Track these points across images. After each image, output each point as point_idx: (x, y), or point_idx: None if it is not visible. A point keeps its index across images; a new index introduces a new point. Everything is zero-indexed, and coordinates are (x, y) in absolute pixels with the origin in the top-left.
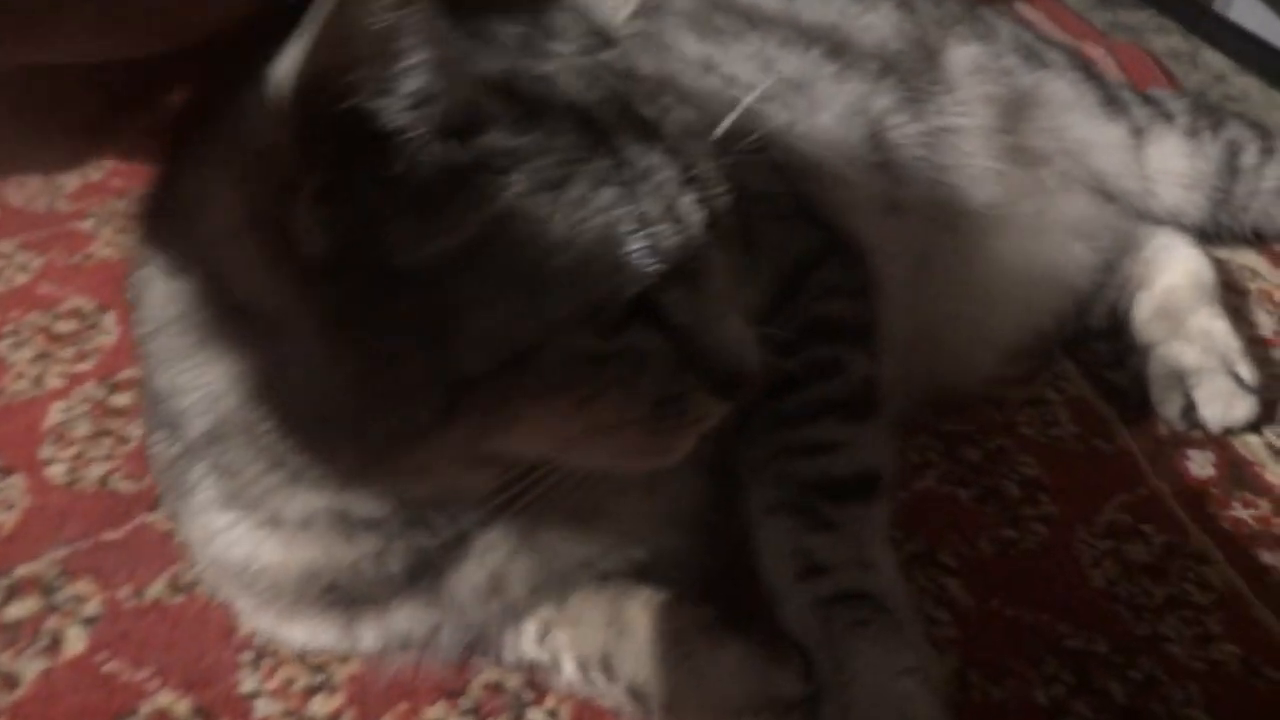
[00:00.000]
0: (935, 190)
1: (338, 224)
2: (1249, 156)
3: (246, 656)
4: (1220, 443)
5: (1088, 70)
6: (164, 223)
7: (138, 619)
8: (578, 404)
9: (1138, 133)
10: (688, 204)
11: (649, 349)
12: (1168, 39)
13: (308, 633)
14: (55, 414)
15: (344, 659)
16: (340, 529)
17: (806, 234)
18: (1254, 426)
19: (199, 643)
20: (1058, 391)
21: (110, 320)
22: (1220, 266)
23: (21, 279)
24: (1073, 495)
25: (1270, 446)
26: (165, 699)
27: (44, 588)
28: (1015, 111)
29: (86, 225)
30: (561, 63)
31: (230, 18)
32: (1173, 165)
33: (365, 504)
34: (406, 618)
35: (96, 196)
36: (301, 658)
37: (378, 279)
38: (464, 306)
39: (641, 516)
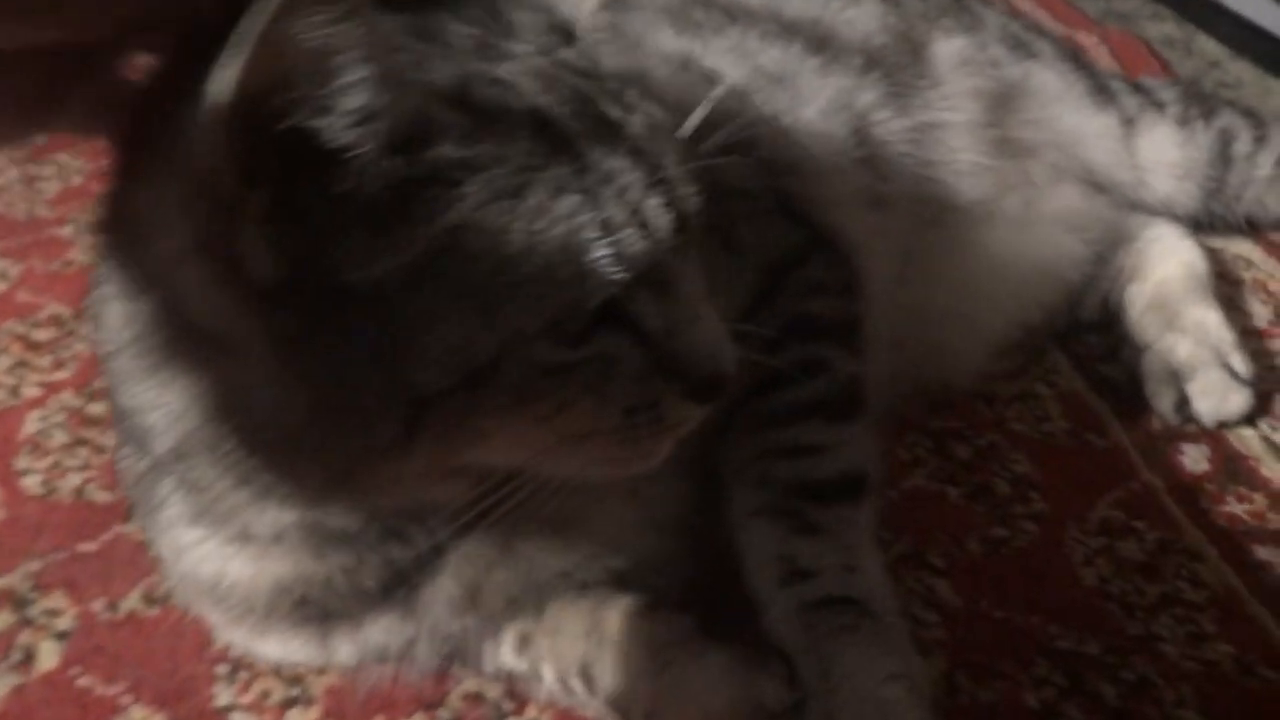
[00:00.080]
0: (921, 186)
1: (284, 245)
2: (1242, 145)
3: (222, 670)
4: (1214, 437)
5: (1077, 60)
6: (118, 241)
7: (112, 632)
8: (545, 416)
9: (1128, 122)
10: (653, 207)
11: (618, 356)
12: (1161, 26)
13: (281, 648)
14: (32, 423)
15: (321, 671)
16: (311, 543)
17: (788, 231)
18: (1249, 420)
19: (174, 656)
20: (1049, 386)
21: (89, 328)
22: (1214, 256)
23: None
24: (1064, 492)
25: (1266, 440)
26: (139, 714)
27: (17, 601)
28: (1003, 104)
29: (66, 231)
30: (519, 65)
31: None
32: (1164, 155)
33: (337, 517)
34: (382, 631)
35: (77, 202)
36: (277, 671)
37: (329, 299)
38: (419, 323)
39: (621, 523)
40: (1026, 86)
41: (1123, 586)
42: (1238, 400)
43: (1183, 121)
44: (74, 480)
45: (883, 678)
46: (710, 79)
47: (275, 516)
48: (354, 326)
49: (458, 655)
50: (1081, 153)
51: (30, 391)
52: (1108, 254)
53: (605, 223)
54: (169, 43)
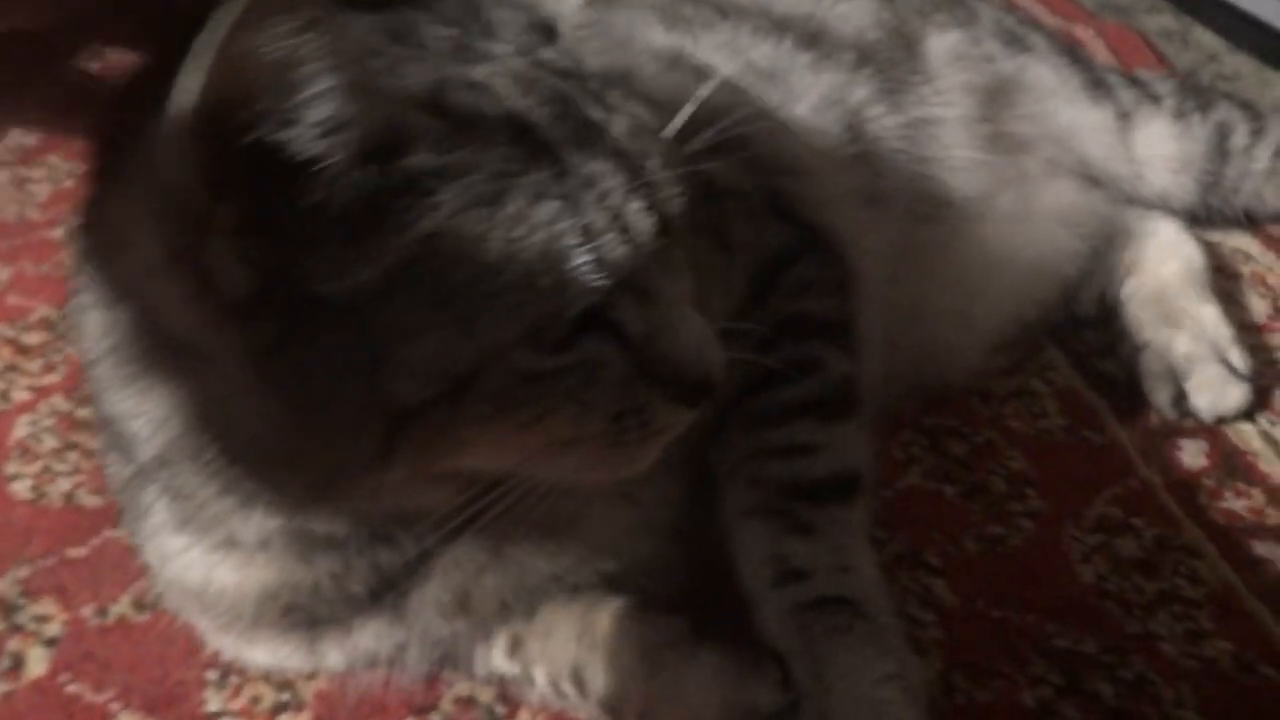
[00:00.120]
0: (915, 182)
1: (255, 259)
2: (1239, 138)
3: (212, 675)
4: (1213, 432)
5: (1072, 53)
6: (93, 250)
7: (101, 638)
8: (529, 423)
9: (1124, 116)
10: (635, 212)
11: (602, 361)
12: (1159, 18)
13: (269, 654)
14: (21, 428)
15: (311, 676)
16: (297, 549)
17: (780, 230)
18: (1247, 415)
19: (163, 662)
20: (1046, 383)
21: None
22: (1212, 250)
23: None
24: (1061, 489)
25: (1265, 435)
26: None
27: (6, 608)
28: (997, 98)
29: (57, 234)
30: (496, 66)
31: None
32: (1161, 148)
33: (323, 523)
34: (371, 637)
35: (68, 204)
36: (267, 676)
37: (302, 311)
38: (395, 334)
39: (613, 525)
40: (1021, 81)
41: (1120, 584)
42: (1236, 395)
43: (1179, 115)
44: (64, 485)
45: (877, 679)
46: (702, 75)
47: (260, 523)
48: (329, 338)
49: (449, 659)
50: (1077, 147)
51: (20, 395)
52: (1104, 249)
53: (585, 229)
54: (148, 37)
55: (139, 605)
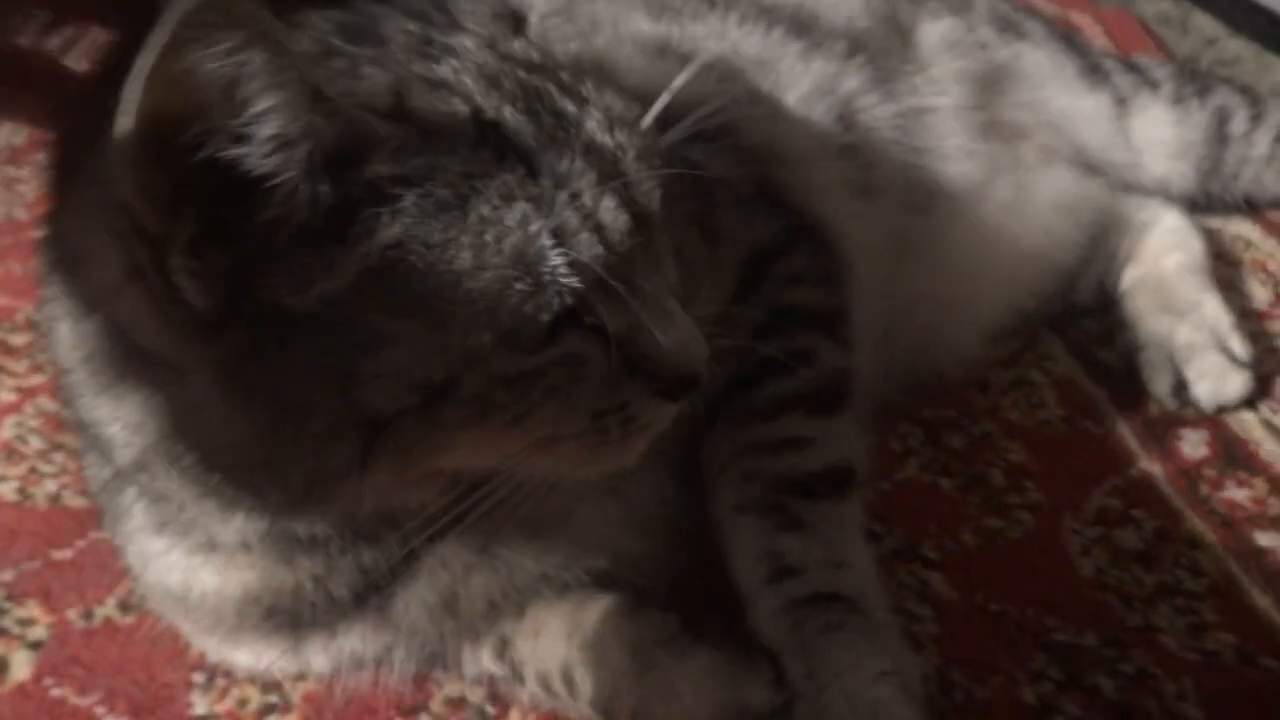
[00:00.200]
0: (909, 172)
1: (216, 274)
2: (1238, 123)
3: (198, 677)
4: (1213, 421)
5: (1068, 39)
6: (58, 263)
7: (87, 641)
8: (511, 424)
9: (1121, 102)
10: (609, 209)
11: (583, 359)
12: (1157, 3)
13: (254, 657)
14: (7, 429)
15: (299, 677)
16: (279, 550)
17: (770, 219)
18: (1248, 403)
19: (149, 665)
20: (1044, 373)
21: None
22: (1211, 237)
23: None
24: (1060, 481)
25: (1266, 423)
26: None
27: None
28: (992, 86)
29: None
30: (461, 62)
31: None
32: (1159, 134)
33: (306, 526)
34: (357, 640)
35: None
36: (254, 678)
37: (269, 323)
38: (365, 346)
39: (602, 522)
40: (1016, 68)
41: (1121, 577)
42: (1236, 383)
43: (1177, 100)
44: (49, 486)
45: (872, 676)
46: (689, 65)
47: (240, 526)
48: (298, 351)
49: (437, 660)
50: (1074, 134)
51: (6, 396)
52: (1102, 237)
53: (558, 229)
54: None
55: (124, 607)
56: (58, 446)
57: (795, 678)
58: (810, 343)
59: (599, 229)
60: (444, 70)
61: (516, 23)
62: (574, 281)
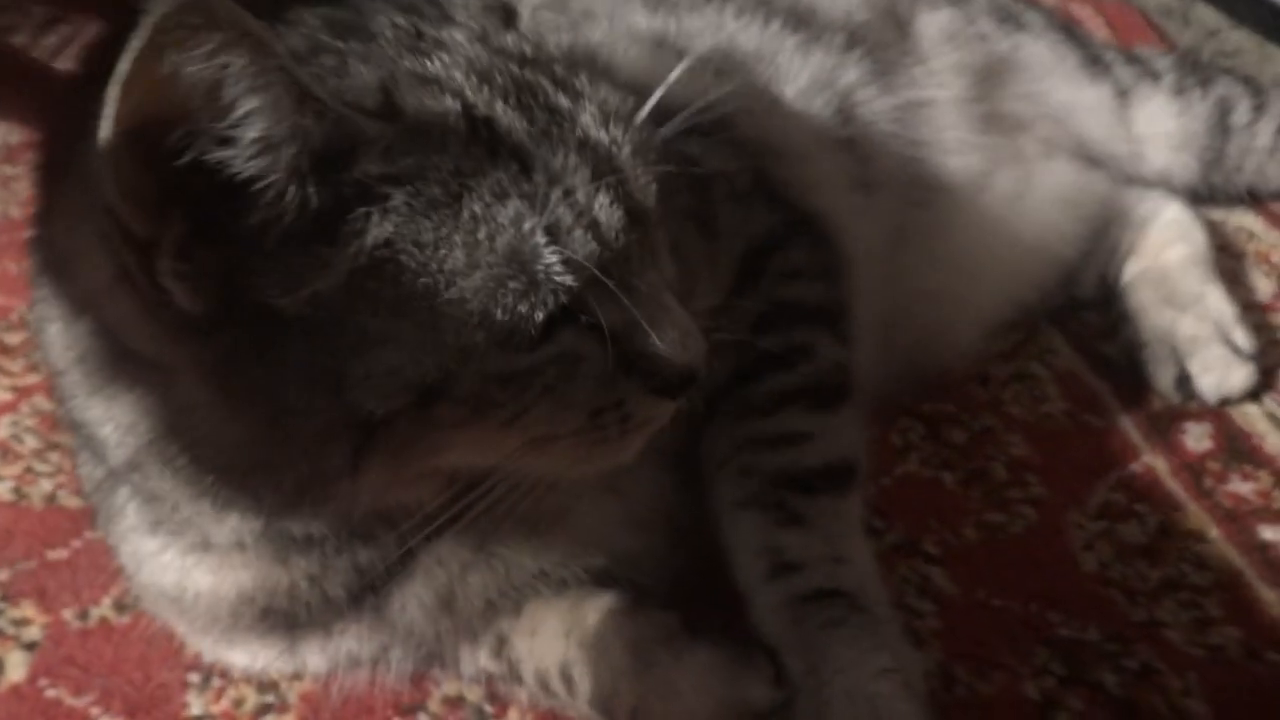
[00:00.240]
0: (908, 166)
1: (204, 276)
2: (1240, 114)
3: (194, 678)
4: (1217, 414)
5: (1068, 31)
6: (48, 265)
7: (82, 642)
8: (506, 423)
9: (1122, 94)
10: (603, 205)
11: (580, 356)
12: None
13: (249, 657)
14: (2, 428)
15: (296, 677)
16: (274, 550)
17: (768, 213)
18: (1252, 396)
19: (145, 665)
20: (1046, 366)
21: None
22: (1214, 229)
23: None
24: (1063, 475)
25: (1270, 416)
26: None
27: None
28: (992, 78)
29: None
30: (451, 57)
31: None
32: (1160, 126)
33: (301, 525)
34: (353, 640)
35: None
36: (250, 677)
37: (259, 326)
38: (357, 347)
39: (601, 519)
40: (1016, 60)
41: (1124, 571)
42: (1240, 376)
43: (1179, 91)
44: (45, 486)
45: (874, 673)
46: (685, 58)
47: (235, 525)
48: (288, 352)
49: (435, 659)
50: (1075, 126)
51: (1, 395)
52: (1104, 229)
53: (552, 227)
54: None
55: (120, 607)
56: (53, 446)
57: (796, 675)
58: (809, 337)
59: (593, 226)
60: (434, 66)
61: (508, 15)
62: (568, 280)
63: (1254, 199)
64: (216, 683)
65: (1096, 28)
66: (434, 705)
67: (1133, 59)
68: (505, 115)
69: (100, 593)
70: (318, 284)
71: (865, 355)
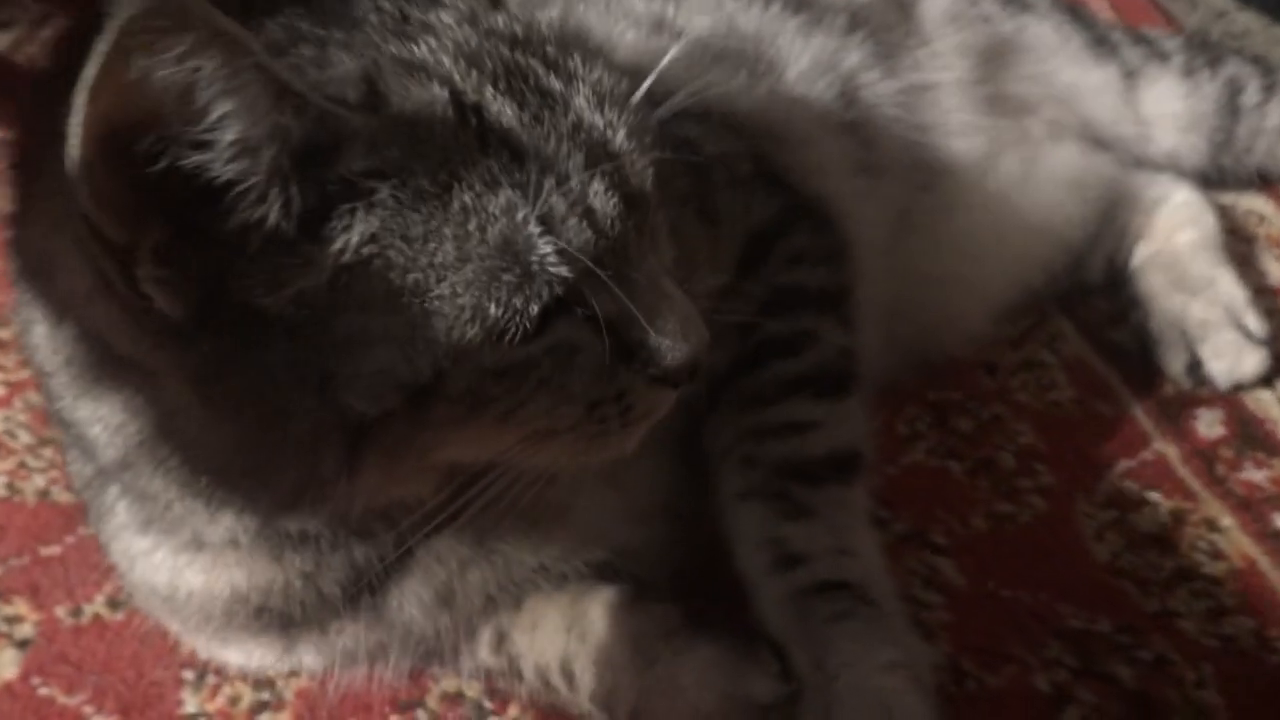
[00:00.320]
0: (913, 150)
1: (186, 281)
2: (1250, 95)
3: (189, 675)
4: (1229, 400)
5: (1074, 11)
6: (25, 271)
7: (75, 639)
8: (503, 418)
9: (1130, 75)
10: (598, 192)
11: (577, 346)
12: None
13: (244, 656)
14: None
15: (292, 673)
16: (269, 548)
17: (769, 198)
18: (1265, 381)
19: (139, 662)
20: (1054, 353)
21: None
22: (1224, 213)
23: None
24: (1072, 464)
25: None
26: None
27: None
28: (996, 59)
29: None
30: (439, 41)
31: None
32: (1169, 107)
33: (297, 523)
34: (349, 638)
35: None
36: (246, 674)
37: (245, 329)
38: (345, 347)
39: (602, 512)
40: (1021, 41)
41: (1136, 561)
42: (1253, 361)
43: (1187, 72)
44: (38, 481)
45: (882, 667)
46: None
47: (230, 523)
48: (275, 355)
49: (434, 656)
50: (1081, 108)
51: None
52: (1112, 213)
53: (545, 216)
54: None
55: (113, 604)
56: (46, 441)
57: (801, 669)
58: (813, 324)
59: (589, 214)
60: (421, 51)
61: None
62: (563, 270)
63: (1264, 181)
64: (211, 680)
65: (1102, 10)
66: (432, 702)
67: (1140, 39)
68: (495, 101)
69: (93, 589)
70: (302, 283)
71: (870, 342)
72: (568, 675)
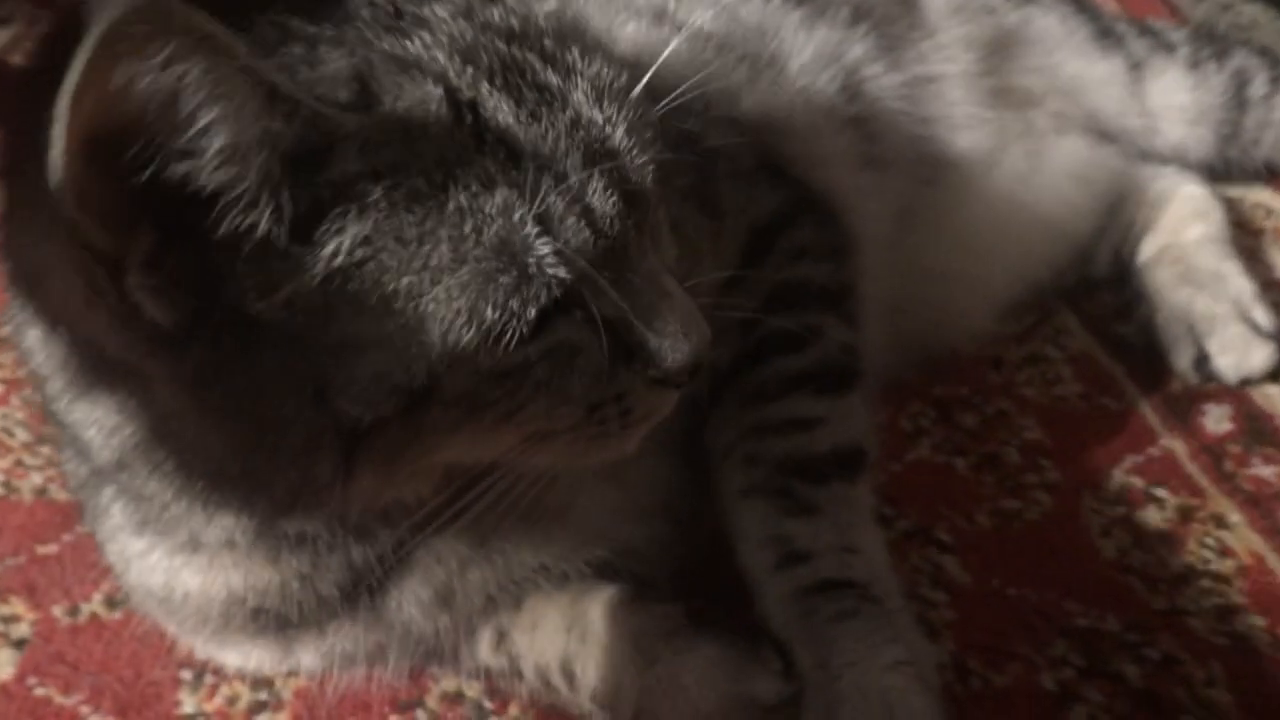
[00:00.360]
0: (917, 143)
1: (176, 288)
2: (1258, 86)
3: (186, 675)
4: (1237, 395)
5: (1079, 3)
6: (16, 277)
7: (72, 638)
8: (501, 421)
9: (1136, 66)
10: (597, 190)
11: (576, 347)
12: None
13: (241, 657)
14: None
15: (291, 673)
16: (266, 549)
17: (772, 192)
18: (1273, 375)
19: (136, 662)
20: (1059, 348)
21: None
22: (1232, 206)
23: None
24: (1079, 459)
25: None
26: None
27: None
28: (1001, 51)
29: None
30: (433, 36)
31: None
32: (1175, 99)
33: (295, 525)
34: (348, 639)
35: None
36: (244, 675)
37: (237, 337)
38: (339, 352)
39: (603, 510)
40: (1025, 33)
41: (1144, 558)
42: (1261, 355)
43: (1194, 64)
44: (35, 480)
45: (886, 666)
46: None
47: (227, 524)
48: (267, 361)
49: (434, 656)
50: (1087, 100)
51: None
52: (1118, 206)
53: (543, 216)
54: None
55: (111, 603)
56: (43, 439)
57: (805, 668)
58: (816, 319)
59: (587, 213)
60: (415, 46)
61: None
62: (562, 271)
63: (1272, 174)
64: (209, 680)
65: (1105, 1)
66: (432, 701)
67: (1146, 31)
68: (491, 98)
69: (91, 588)
70: (293, 286)
71: (873, 337)
72: (568, 675)
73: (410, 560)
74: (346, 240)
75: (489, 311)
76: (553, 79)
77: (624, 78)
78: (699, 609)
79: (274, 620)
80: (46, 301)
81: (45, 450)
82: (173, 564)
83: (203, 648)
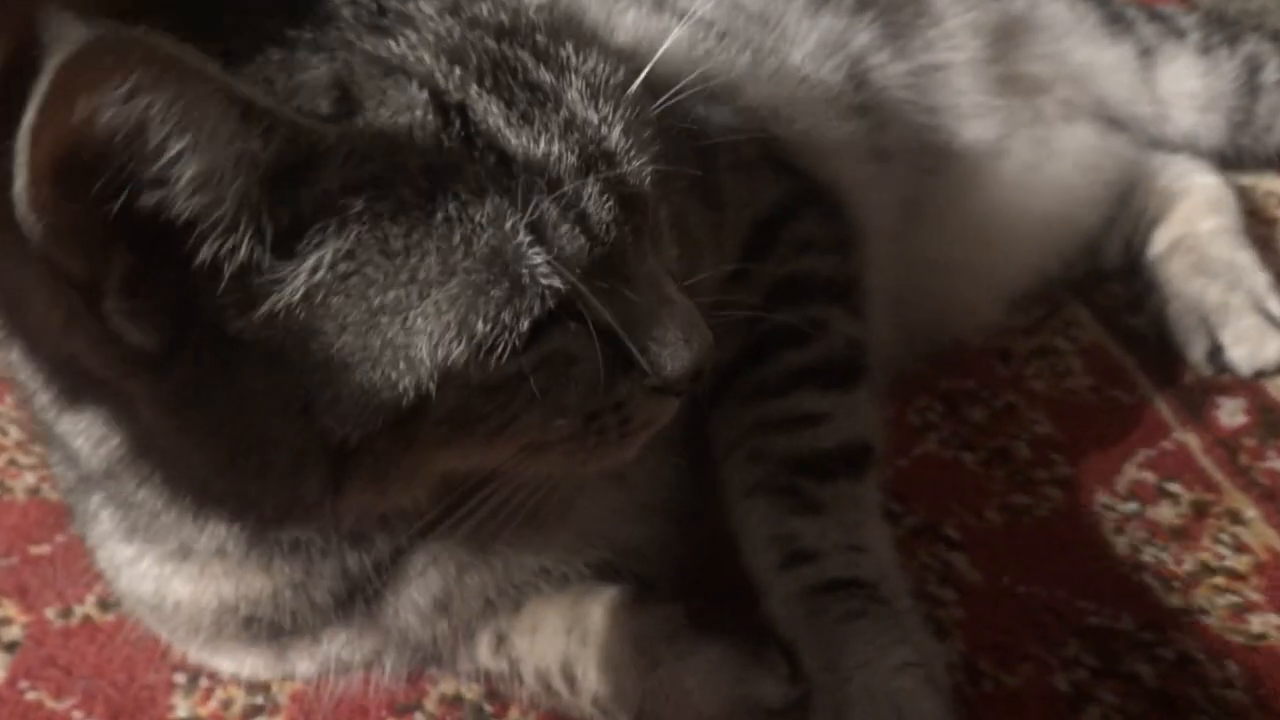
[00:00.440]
0: (923, 132)
1: (155, 311)
2: (1270, 72)
3: (180, 679)
4: (1251, 387)
5: None
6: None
7: (65, 641)
8: (492, 435)
9: (1146, 53)
10: (592, 195)
11: (571, 356)
12: None
13: (235, 665)
14: None
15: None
16: (258, 557)
17: (775, 183)
18: None
19: (129, 665)
20: (1069, 340)
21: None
22: (1244, 194)
23: None
24: (1090, 454)
25: None
26: None
27: None
28: (1008, 38)
29: None
30: (418, 35)
31: None
32: (1186, 86)
33: (288, 534)
34: (343, 646)
35: None
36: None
37: (218, 357)
38: (323, 370)
39: (603, 510)
40: (1033, 19)
41: (1157, 555)
42: (1276, 347)
43: (1205, 50)
44: (29, 479)
45: (895, 667)
46: (685, 19)
47: (217, 530)
48: (249, 381)
49: (432, 660)
50: (1096, 87)
51: None
52: (1129, 195)
53: (536, 223)
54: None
55: (104, 605)
56: (37, 438)
57: (812, 670)
58: (821, 312)
59: (582, 219)
60: (399, 47)
61: None
62: (556, 282)
63: None
64: (204, 684)
65: None
66: (431, 705)
67: (1155, 16)
68: (481, 100)
69: (84, 590)
70: (273, 302)
71: (879, 331)
72: (569, 678)
73: (407, 566)
74: (328, 254)
75: (480, 325)
76: (545, 77)
77: (621, 73)
78: (702, 610)
79: (267, 629)
80: (25, 324)
81: (38, 449)
82: (163, 572)
83: (196, 653)
